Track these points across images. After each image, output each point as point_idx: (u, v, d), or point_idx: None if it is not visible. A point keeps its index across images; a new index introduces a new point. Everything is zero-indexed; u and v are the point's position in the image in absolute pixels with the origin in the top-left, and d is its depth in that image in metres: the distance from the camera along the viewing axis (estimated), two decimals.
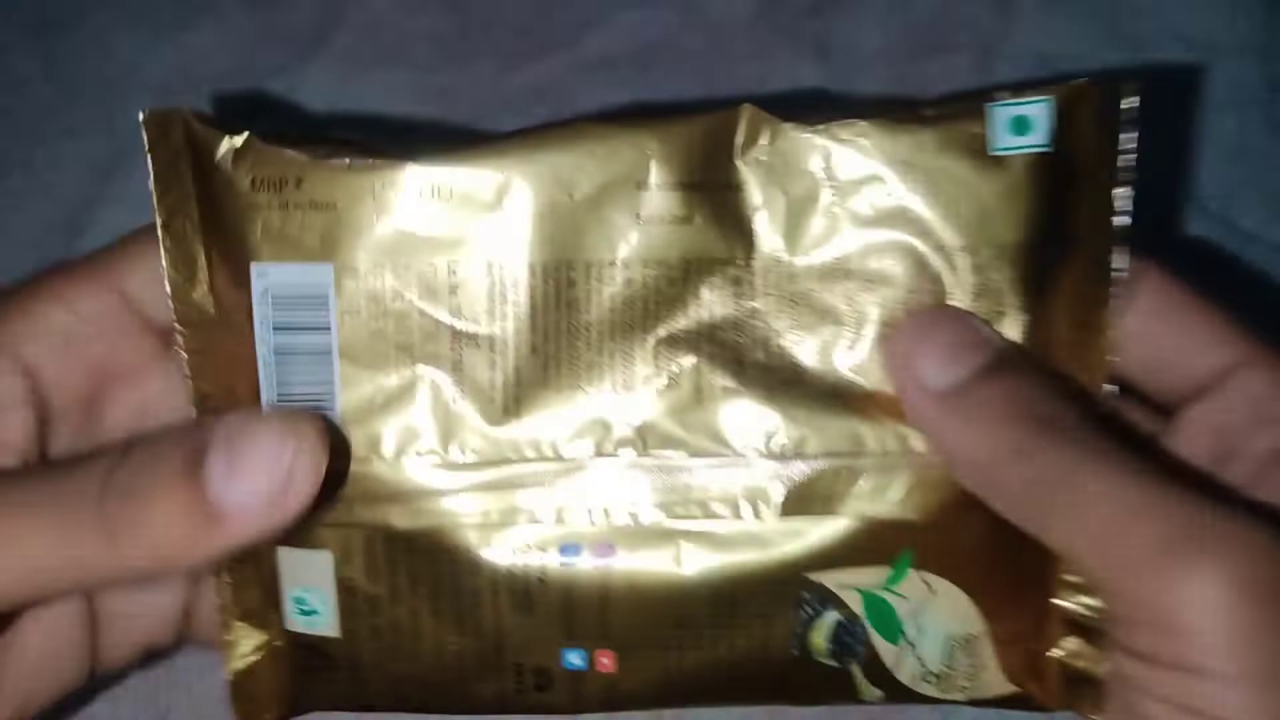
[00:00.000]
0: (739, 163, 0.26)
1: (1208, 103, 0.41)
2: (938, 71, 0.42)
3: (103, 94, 0.42)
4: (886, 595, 0.28)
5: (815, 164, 0.26)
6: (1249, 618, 0.21)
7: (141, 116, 0.26)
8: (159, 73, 0.42)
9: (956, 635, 0.28)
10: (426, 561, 0.28)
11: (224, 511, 0.23)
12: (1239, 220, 0.40)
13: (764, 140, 0.26)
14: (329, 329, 0.26)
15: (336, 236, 0.26)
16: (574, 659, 0.28)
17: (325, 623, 0.28)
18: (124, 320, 0.27)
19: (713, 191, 0.26)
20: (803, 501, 0.27)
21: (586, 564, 0.27)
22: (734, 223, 0.27)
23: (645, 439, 0.27)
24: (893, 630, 0.28)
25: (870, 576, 0.27)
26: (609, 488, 0.27)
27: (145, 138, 0.26)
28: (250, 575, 0.28)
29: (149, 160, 0.26)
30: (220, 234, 0.26)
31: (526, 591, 0.28)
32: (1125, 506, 0.22)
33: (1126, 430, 0.27)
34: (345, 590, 0.28)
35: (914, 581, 0.27)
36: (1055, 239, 0.26)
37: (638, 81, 0.42)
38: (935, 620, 0.28)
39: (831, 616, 0.28)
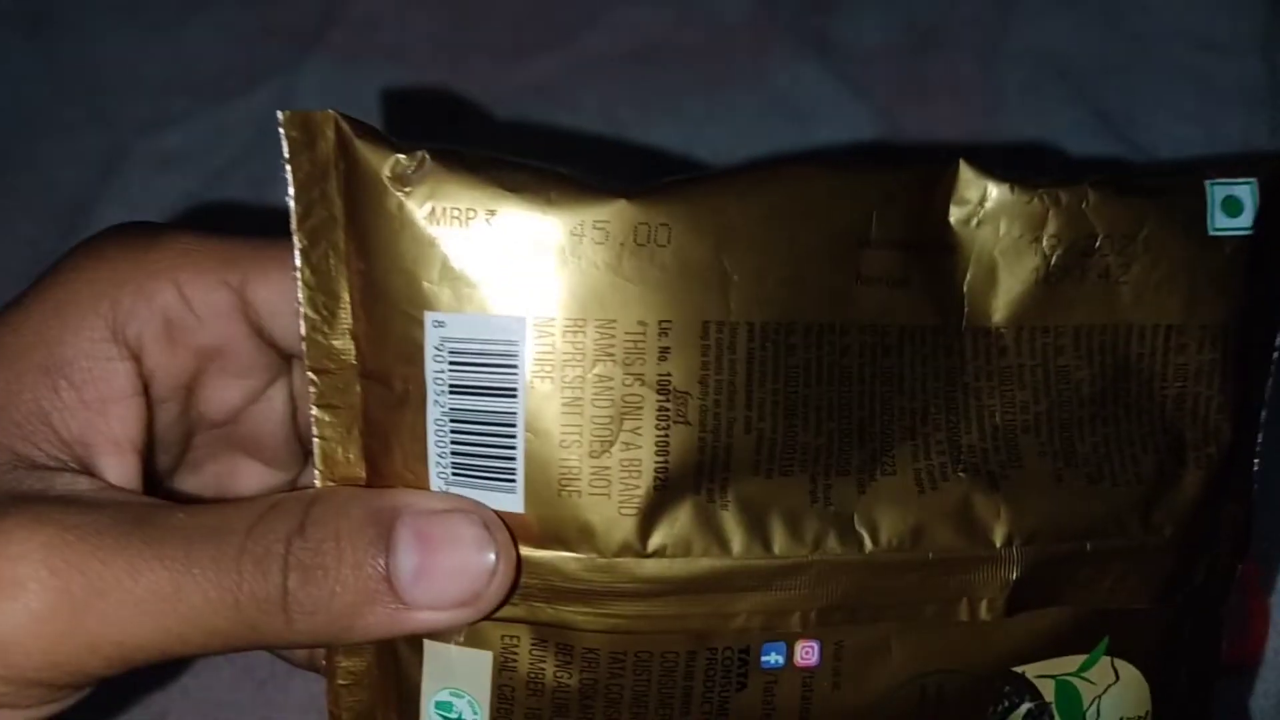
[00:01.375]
0: (952, 222, 0.24)
1: (1212, 102, 0.41)
2: (940, 69, 0.41)
3: (99, 91, 0.41)
4: (1076, 681, 0.26)
5: (1031, 227, 0.24)
6: None
7: (280, 118, 0.22)
8: (156, 69, 0.42)
9: (1128, 718, 0.26)
10: (608, 672, 0.24)
11: (410, 608, 0.22)
12: None
13: (977, 198, 0.24)
14: (516, 394, 0.22)
15: (532, 283, 0.22)
16: None
17: None
18: (236, 323, 0.25)
19: (927, 252, 0.24)
20: (1026, 597, 0.24)
21: (790, 669, 0.24)
22: (946, 288, 0.24)
23: (863, 533, 0.24)
24: (1076, 715, 0.26)
25: (1067, 664, 0.26)
26: (823, 587, 0.24)
27: (285, 145, 0.22)
28: (372, 672, 0.25)
29: (288, 172, 0.22)
30: (379, 272, 0.22)
31: (723, 704, 0.24)
32: None
33: None
34: (501, 699, 0.24)
35: (1104, 667, 0.26)
36: (1260, 320, 0.25)
37: (638, 79, 0.41)
38: (1114, 704, 0.26)
39: (1024, 707, 0.26)
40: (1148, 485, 0.25)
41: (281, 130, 0.22)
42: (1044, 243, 0.24)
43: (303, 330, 0.23)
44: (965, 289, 0.24)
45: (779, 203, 0.23)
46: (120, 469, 0.24)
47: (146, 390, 0.25)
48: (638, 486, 0.22)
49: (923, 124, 0.40)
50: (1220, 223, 0.25)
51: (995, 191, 0.24)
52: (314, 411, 0.23)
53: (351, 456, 0.23)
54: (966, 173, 0.24)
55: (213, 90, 0.41)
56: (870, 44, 0.42)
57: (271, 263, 0.24)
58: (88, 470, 0.24)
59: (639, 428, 0.22)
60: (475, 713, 0.24)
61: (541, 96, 0.41)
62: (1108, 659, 0.26)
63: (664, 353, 0.22)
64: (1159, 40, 0.41)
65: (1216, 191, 0.25)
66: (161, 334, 0.24)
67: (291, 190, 0.22)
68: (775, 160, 0.23)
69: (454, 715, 0.24)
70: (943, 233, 0.24)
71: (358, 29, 0.42)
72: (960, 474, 0.24)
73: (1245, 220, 0.25)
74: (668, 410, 0.22)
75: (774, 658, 0.24)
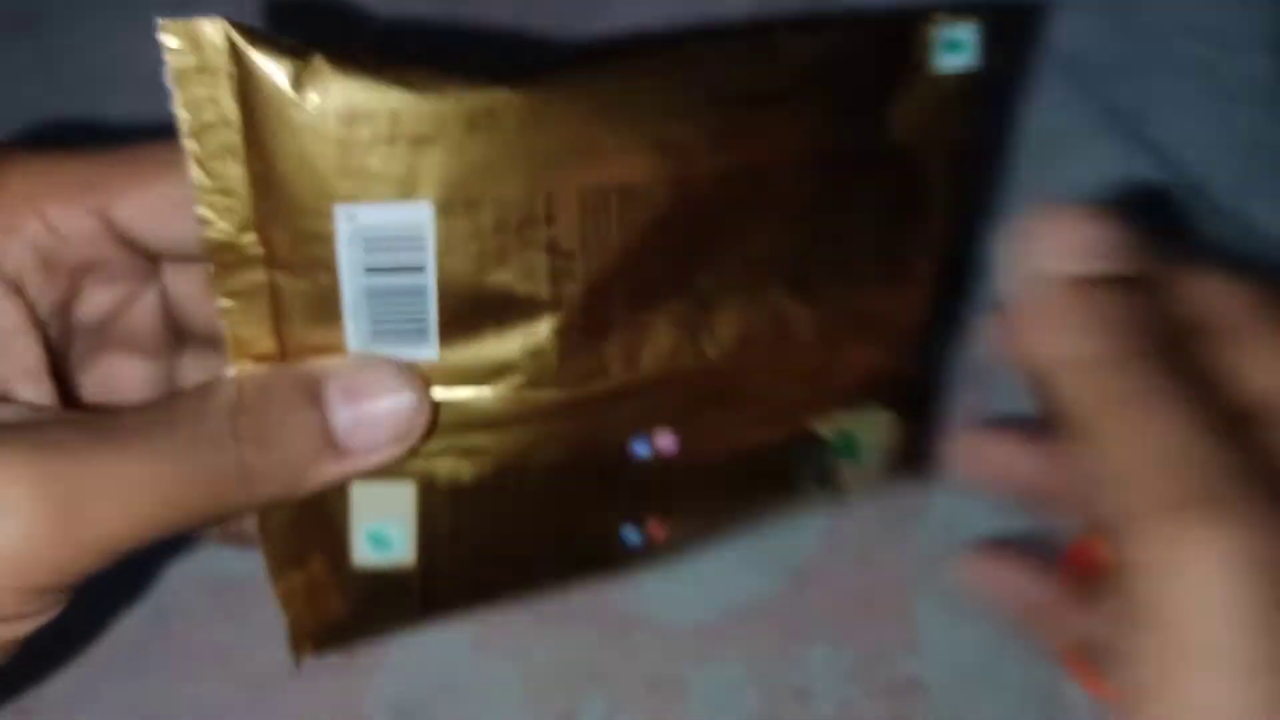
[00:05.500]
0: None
1: (1220, 96, 0.40)
2: None
3: (92, 87, 0.41)
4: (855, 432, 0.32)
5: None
6: (1241, 596, 0.19)
7: (160, 28, 0.23)
8: (148, 64, 0.41)
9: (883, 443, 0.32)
10: (515, 480, 0.28)
11: (353, 454, 0.25)
12: (1253, 215, 0.39)
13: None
14: (425, 269, 0.25)
15: (434, 171, 0.24)
16: (631, 535, 0.30)
17: (399, 553, 0.28)
18: (104, 241, 0.26)
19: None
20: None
21: (654, 455, 0.29)
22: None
23: (708, 341, 0.28)
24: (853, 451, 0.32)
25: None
26: (685, 389, 0.28)
27: (168, 57, 0.23)
28: (300, 521, 0.27)
29: (174, 88, 0.23)
30: (281, 173, 0.23)
31: (600, 484, 0.29)
32: (1158, 451, 0.21)
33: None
34: (426, 519, 0.27)
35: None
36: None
37: None
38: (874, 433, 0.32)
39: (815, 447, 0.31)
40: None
41: (162, 41, 0.23)
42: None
43: (202, 232, 0.24)
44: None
45: (659, 83, 0.25)
46: (40, 395, 0.26)
47: (35, 317, 0.26)
48: (537, 332, 0.26)
49: None
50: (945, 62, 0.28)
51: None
52: (221, 301, 0.24)
53: (262, 335, 0.25)
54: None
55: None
56: None
57: (131, 180, 0.26)
58: (13, 402, 0.25)
59: (535, 290, 0.25)
60: (401, 535, 0.27)
61: None
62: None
63: (550, 219, 0.25)
64: (1168, 35, 0.41)
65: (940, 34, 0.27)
66: (36, 264, 0.26)
67: (179, 98, 0.23)
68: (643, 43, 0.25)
69: (384, 540, 0.27)
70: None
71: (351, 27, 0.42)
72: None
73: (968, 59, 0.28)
74: (559, 271, 0.25)
75: (643, 453, 0.29)
